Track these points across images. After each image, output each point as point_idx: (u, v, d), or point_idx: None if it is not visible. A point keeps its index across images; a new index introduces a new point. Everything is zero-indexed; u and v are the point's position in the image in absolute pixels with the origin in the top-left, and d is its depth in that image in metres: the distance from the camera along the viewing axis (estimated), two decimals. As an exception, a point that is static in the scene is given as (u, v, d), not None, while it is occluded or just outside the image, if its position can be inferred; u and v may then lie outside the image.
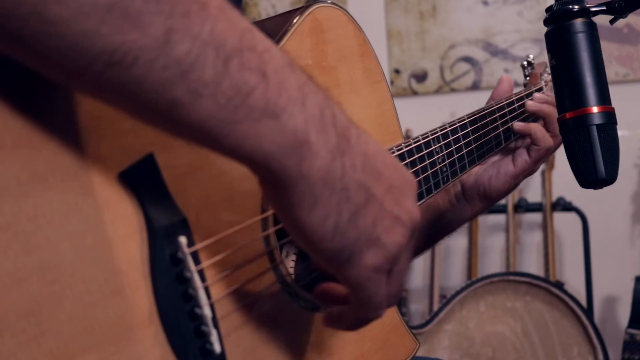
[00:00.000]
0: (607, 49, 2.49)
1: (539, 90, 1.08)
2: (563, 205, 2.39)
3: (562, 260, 2.56)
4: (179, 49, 0.39)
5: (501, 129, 0.97)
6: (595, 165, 0.81)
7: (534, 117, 1.00)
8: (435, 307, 2.31)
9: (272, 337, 0.61)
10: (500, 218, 2.54)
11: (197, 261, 0.52)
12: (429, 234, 0.99)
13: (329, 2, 0.75)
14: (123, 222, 0.47)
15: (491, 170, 0.96)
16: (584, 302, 2.28)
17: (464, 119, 0.89)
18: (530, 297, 2.17)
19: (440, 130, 0.84)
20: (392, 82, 2.76)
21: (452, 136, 0.86)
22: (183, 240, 0.51)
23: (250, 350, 0.58)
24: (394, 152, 0.75)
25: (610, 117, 0.81)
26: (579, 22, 0.82)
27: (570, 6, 0.82)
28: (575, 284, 2.43)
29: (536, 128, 0.96)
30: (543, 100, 0.98)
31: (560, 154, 0.86)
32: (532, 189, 2.53)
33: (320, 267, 0.52)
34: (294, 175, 0.44)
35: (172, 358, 0.49)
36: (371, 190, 0.48)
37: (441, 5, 2.68)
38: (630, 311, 2.17)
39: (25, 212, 0.41)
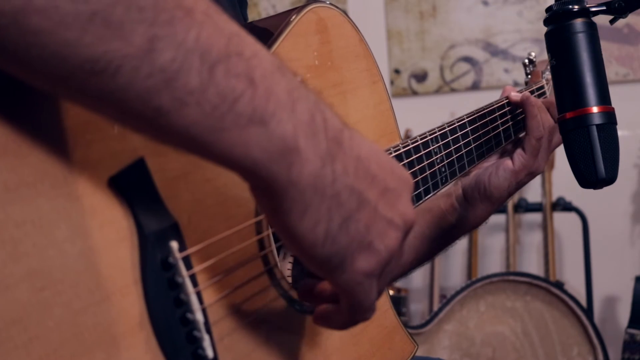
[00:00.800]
0: (607, 49, 2.48)
1: (540, 88, 1.07)
2: (563, 205, 2.38)
3: (562, 260, 2.55)
4: (163, 56, 0.39)
5: (501, 129, 0.96)
6: (595, 165, 0.81)
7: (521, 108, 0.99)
8: (435, 307, 2.31)
9: (267, 341, 0.60)
10: (500, 218, 2.54)
11: (188, 266, 0.52)
12: (433, 240, 0.97)
13: (326, 2, 0.74)
14: (113, 228, 0.47)
15: (491, 169, 0.95)
16: (584, 302, 2.28)
17: (463, 119, 0.89)
18: (530, 297, 2.16)
19: (439, 131, 0.83)
20: (392, 82, 2.75)
21: (451, 136, 0.85)
22: (174, 245, 0.50)
23: (244, 355, 0.57)
24: (391, 153, 0.74)
25: (610, 117, 0.81)
26: (579, 22, 0.82)
27: (570, 6, 0.82)
28: (575, 284, 2.43)
29: (533, 101, 0.94)
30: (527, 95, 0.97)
31: (560, 154, 0.86)
32: (532, 189, 2.53)
33: (313, 271, 0.51)
34: (284, 182, 0.44)
35: (163, 364, 0.49)
36: (364, 195, 0.48)
37: (441, 5, 2.68)
38: (630, 311, 2.17)
39: (12, 219, 0.40)
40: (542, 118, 0.94)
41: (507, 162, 0.94)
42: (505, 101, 0.97)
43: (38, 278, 0.41)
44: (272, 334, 0.61)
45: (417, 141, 0.79)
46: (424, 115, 2.06)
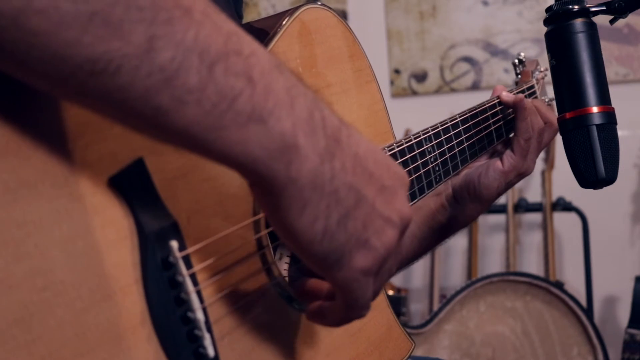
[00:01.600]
0: (607, 49, 2.48)
1: (531, 87, 1.08)
2: (563, 205, 2.38)
3: (562, 260, 2.56)
4: (163, 56, 0.39)
5: (493, 128, 0.96)
6: (595, 165, 0.81)
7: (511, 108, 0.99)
8: (435, 307, 2.31)
9: (267, 340, 0.60)
10: (500, 218, 2.54)
11: (188, 265, 0.52)
12: (424, 239, 0.98)
13: (319, 3, 0.74)
14: (113, 227, 0.47)
15: (480, 169, 0.95)
16: (584, 302, 2.28)
17: (456, 118, 0.89)
18: (530, 297, 2.16)
19: (432, 130, 0.84)
20: (392, 82, 2.75)
21: (444, 135, 0.86)
22: (174, 244, 0.50)
23: (244, 353, 0.58)
24: (385, 153, 0.75)
25: (610, 117, 0.81)
26: (579, 22, 0.82)
27: (570, 6, 0.82)
28: (575, 284, 2.43)
29: (524, 103, 0.94)
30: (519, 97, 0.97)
31: (560, 154, 0.86)
32: (532, 189, 2.53)
33: (311, 269, 0.52)
34: (283, 179, 0.44)
35: (164, 363, 0.49)
36: (362, 192, 0.48)
37: (441, 5, 2.68)
38: (630, 311, 2.17)
39: (14, 219, 0.41)
40: (532, 120, 0.94)
41: (497, 162, 0.95)
42: (496, 101, 0.98)
43: (40, 278, 0.41)
44: (272, 332, 0.61)
45: (410, 140, 0.79)
46: (424, 115, 2.05)
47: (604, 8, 0.83)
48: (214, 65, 0.41)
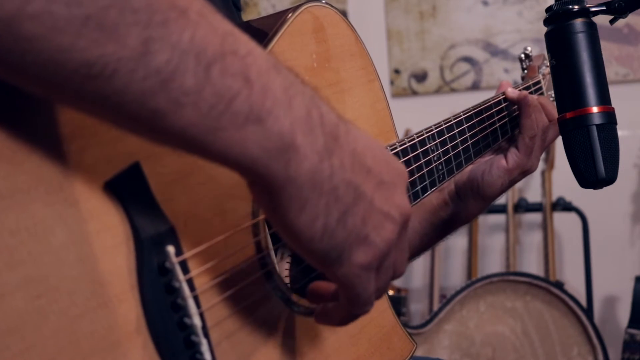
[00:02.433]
0: (607, 49, 2.48)
1: (537, 83, 1.07)
2: (563, 205, 2.38)
3: (562, 260, 2.55)
4: (159, 58, 0.38)
5: (498, 125, 0.95)
6: (595, 165, 0.81)
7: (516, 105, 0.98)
8: (435, 307, 2.31)
9: (265, 344, 0.60)
10: (500, 218, 2.54)
11: (185, 270, 0.52)
12: (425, 234, 0.98)
13: (322, 1, 0.74)
14: (109, 233, 0.47)
15: (484, 166, 0.95)
16: (584, 302, 2.28)
17: (460, 116, 0.88)
18: (530, 297, 2.16)
19: (436, 128, 0.83)
20: (392, 82, 2.75)
21: (448, 134, 0.85)
22: (171, 249, 0.50)
23: (244, 357, 0.57)
24: (386, 149, 0.74)
25: (610, 117, 0.81)
26: (579, 22, 0.82)
27: (570, 6, 0.82)
28: (575, 284, 2.43)
29: (529, 100, 0.94)
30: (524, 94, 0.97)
31: (560, 154, 0.86)
32: (532, 189, 2.53)
33: (312, 266, 0.52)
34: (282, 178, 0.44)
35: (161, 369, 0.48)
36: (360, 189, 0.48)
37: (441, 5, 2.67)
38: (630, 311, 2.17)
39: (7, 227, 0.40)
40: (537, 117, 0.94)
41: (501, 160, 0.94)
42: (501, 97, 0.97)
43: (34, 286, 0.41)
44: (270, 336, 0.61)
45: (413, 139, 0.79)
46: (424, 115, 2.05)
47: (604, 8, 0.82)
48: (210, 67, 0.40)
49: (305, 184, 0.45)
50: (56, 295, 0.42)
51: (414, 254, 1.00)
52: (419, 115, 2.22)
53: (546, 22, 0.84)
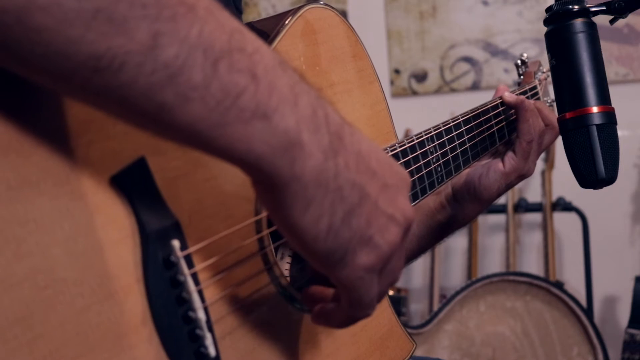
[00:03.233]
0: (607, 49, 2.48)
1: (533, 89, 1.08)
2: (563, 205, 2.38)
3: (562, 260, 2.56)
4: (167, 52, 0.39)
5: (495, 129, 0.96)
6: (595, 165, 0.81)
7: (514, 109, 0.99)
8: (435, 307, 2.31)
9: (268, 340, 0.60)
10: (500, 218, 2.54)
11: (190, 264, 0.52)
12: (422, 237, 0.98)
13: (322, 3, 0.74)
14: (115, 227, 0.47)
15: (481, 169, 0.95)
16: (584, 302, 2.28)
17: (458, 119, 0.89)
18: (530, 297, 2.16)
19: (435, 130, 0.84)
20: (392, 82, 2.75)
21: (447, 136, 0.86)
22: (176, 243, 0.50)
23: (246, 353, 0.58)
24: (387, 153, 0.75)
25: (610, 117, 0.81)
26: (579, 22, 0.82)
27: (570, 6, 0.82)
28: (575, 284, 2.43)
29: (527, 105, 0.94)
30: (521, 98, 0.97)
31: (560, 154, 0.86)
32: (532, 189, 2.53)
33: (315, 269, 0.51)
34: (287, 176, 0.44)
35: (166, 362, 0.49)
36: (365, 190, 0.48)
37: (441, 5, 2.68)
38: (630, 311, 2.17)
39: (16, 218, 0.41)
40: (534, 122, 0.94)
41: (498, 164, 0.95)
42: (499, 101, 0.98)
43: (41, 277, 0.41)
44: (273, 332, 0.61)
45: (412, 141, 0.79)
46: (424, 115, 2.05)
47: (604, 8, 0.83)
48: (218, 62, 0.41)
49: (310, 182, 0.45)
50: (63, 287, 0.42)
51: (412, 256, 1.00)
52: (419, 115, 2.23)
53: (546, 22, 0.84)
